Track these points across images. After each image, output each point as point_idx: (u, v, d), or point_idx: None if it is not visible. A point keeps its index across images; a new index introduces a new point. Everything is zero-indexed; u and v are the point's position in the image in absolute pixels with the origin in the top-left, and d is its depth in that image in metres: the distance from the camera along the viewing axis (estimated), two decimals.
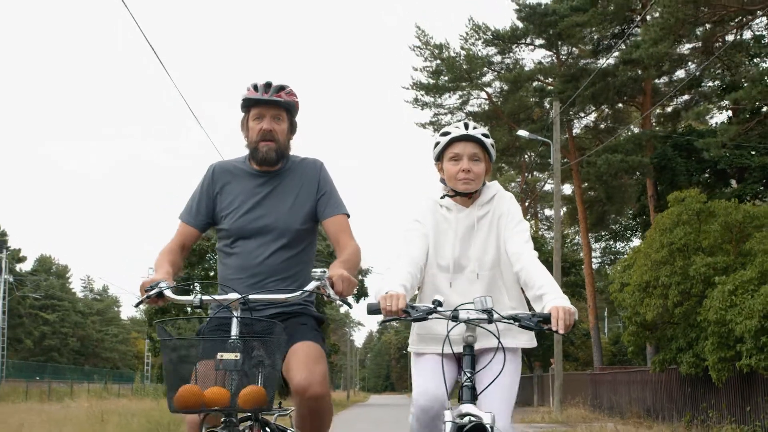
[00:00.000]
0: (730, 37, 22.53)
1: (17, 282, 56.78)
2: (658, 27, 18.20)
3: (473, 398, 2.81)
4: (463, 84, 32.43)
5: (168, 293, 2.87)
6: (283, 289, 3.13)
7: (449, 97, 33.36)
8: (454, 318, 2.85)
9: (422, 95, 33.12)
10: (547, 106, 31.40)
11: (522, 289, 3.27)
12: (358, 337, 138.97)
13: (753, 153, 24.00)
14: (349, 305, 2.94)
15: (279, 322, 2.76)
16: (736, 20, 20.39)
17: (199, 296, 2.84)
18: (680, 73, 29.59)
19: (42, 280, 67.63)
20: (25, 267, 68.98)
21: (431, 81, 32.67)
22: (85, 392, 38.52)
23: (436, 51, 32.00)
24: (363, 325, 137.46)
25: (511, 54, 32.54)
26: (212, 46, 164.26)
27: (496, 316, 2.84)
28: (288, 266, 3.34)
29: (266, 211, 3.36)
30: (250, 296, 2.83)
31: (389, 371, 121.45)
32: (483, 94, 33.75)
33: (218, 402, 2.58)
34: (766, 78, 16.79)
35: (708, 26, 19.80)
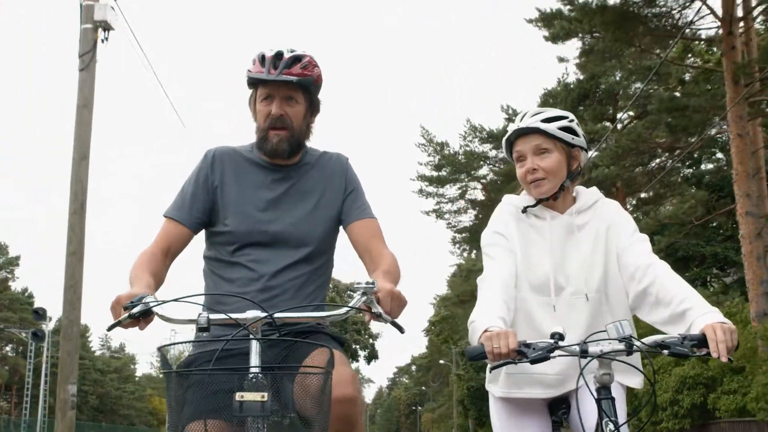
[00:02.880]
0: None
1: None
2: (608, 156, 22.77)
3: None
4: (462, 176, 36.42)
5: (159, 311, 2.08)
6: (314, 304, 2.52)
7: (450, 187, 37.23)
8: (584, 353, 2.14)
9: (426, 186, 36.94)
10: None
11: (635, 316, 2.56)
12: (368, 393, 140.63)
13: (705, 244, 28.33)
14: (401, 329, 2.16)
15: (329, 348, 2.09)
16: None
17: (205, 315, 1.98)
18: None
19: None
20: (49, 326, 72.08)
21: (434, 174, 36.63)
22: None
23: (439, 148, 36.17)
24: (373, 382, 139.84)
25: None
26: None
27: (637, 344, 2.12)
28: (306, 283, 2.59)
29: (282, 213, 2.62)
30: (277, 315, 2.04)
31: (399, 427, 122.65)
32: (479, 186, 37.41)
33: None
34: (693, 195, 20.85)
35: (649, 153, 24.41)
